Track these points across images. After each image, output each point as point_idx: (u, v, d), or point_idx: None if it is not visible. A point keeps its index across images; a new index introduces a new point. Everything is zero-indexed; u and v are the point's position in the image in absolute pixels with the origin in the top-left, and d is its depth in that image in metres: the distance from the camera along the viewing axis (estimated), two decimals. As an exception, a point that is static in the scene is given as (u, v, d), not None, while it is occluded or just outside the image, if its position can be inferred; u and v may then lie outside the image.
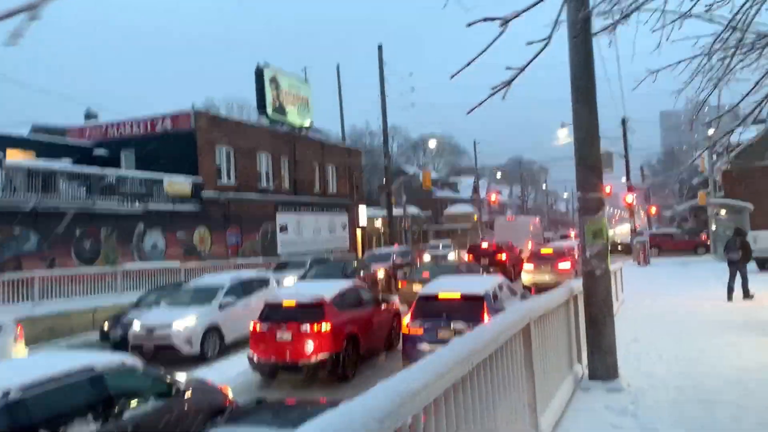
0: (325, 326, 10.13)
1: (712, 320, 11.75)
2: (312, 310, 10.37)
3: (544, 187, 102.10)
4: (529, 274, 20.86)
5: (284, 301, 10.78)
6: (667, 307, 14.65)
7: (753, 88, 5.30)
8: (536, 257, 21.38)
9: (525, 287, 19.75)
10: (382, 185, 68.62)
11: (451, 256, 28.19)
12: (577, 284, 7.56)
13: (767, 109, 5.41)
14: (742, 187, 46.78)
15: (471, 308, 9.79)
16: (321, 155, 36.53)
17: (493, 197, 62.67)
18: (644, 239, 29.32)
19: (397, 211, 63.75)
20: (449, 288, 10.59)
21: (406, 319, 10.07)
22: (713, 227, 28.21)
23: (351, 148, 41.74)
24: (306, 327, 10.13)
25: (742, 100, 5.53)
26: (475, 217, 60.63)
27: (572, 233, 41.26)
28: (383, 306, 12.49)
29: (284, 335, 10.23)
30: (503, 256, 25.25)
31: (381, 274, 21.85)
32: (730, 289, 14.63)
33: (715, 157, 50.87)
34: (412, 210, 68.87)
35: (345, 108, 40.36)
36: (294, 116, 33.79)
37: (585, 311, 6.99)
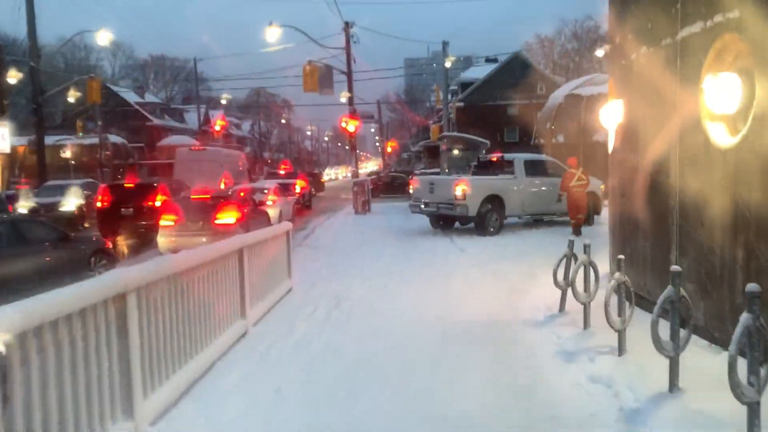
0: None
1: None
2: None
3: (283, 122, 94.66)
4: (167, 234, 12.32)
5: None
6: (347, 308, 7.52)
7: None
8: (181, 206, 12.86)
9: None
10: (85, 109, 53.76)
11: (73, 203, 17.82)
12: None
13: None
14: (474, 124, 44.71)
15: None
16: None
17: (217, 126, 52.13)
18: (364, 180, 22.93)
19: (93, 140, 50.61)
20: None
21: None
22: (445, 166, 22.93)
23: (-23, 39, 28.00)
24: None
25: None
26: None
27: (284, 170, 33.10)
28: None
29: None
30: (156, 203, 16.07)
31: None
32: None
33: (450, 96, 48.19)
34: (115, 138, 55.51)
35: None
36: None
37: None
